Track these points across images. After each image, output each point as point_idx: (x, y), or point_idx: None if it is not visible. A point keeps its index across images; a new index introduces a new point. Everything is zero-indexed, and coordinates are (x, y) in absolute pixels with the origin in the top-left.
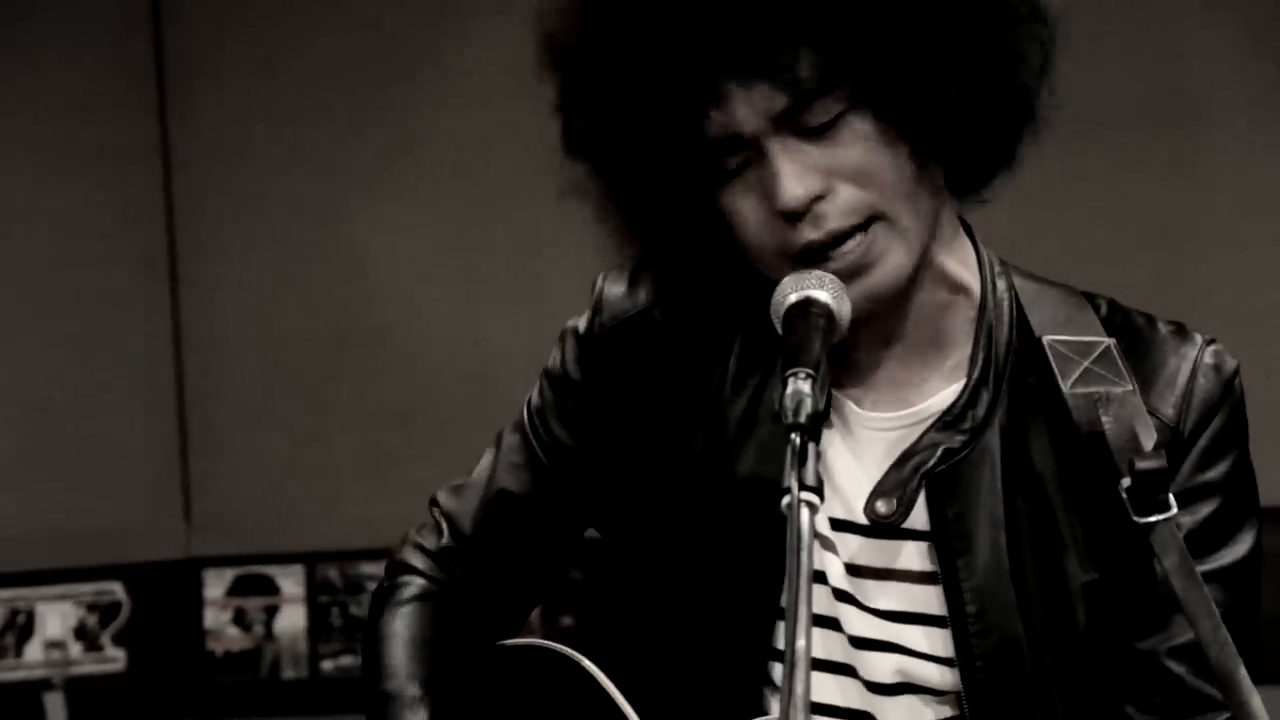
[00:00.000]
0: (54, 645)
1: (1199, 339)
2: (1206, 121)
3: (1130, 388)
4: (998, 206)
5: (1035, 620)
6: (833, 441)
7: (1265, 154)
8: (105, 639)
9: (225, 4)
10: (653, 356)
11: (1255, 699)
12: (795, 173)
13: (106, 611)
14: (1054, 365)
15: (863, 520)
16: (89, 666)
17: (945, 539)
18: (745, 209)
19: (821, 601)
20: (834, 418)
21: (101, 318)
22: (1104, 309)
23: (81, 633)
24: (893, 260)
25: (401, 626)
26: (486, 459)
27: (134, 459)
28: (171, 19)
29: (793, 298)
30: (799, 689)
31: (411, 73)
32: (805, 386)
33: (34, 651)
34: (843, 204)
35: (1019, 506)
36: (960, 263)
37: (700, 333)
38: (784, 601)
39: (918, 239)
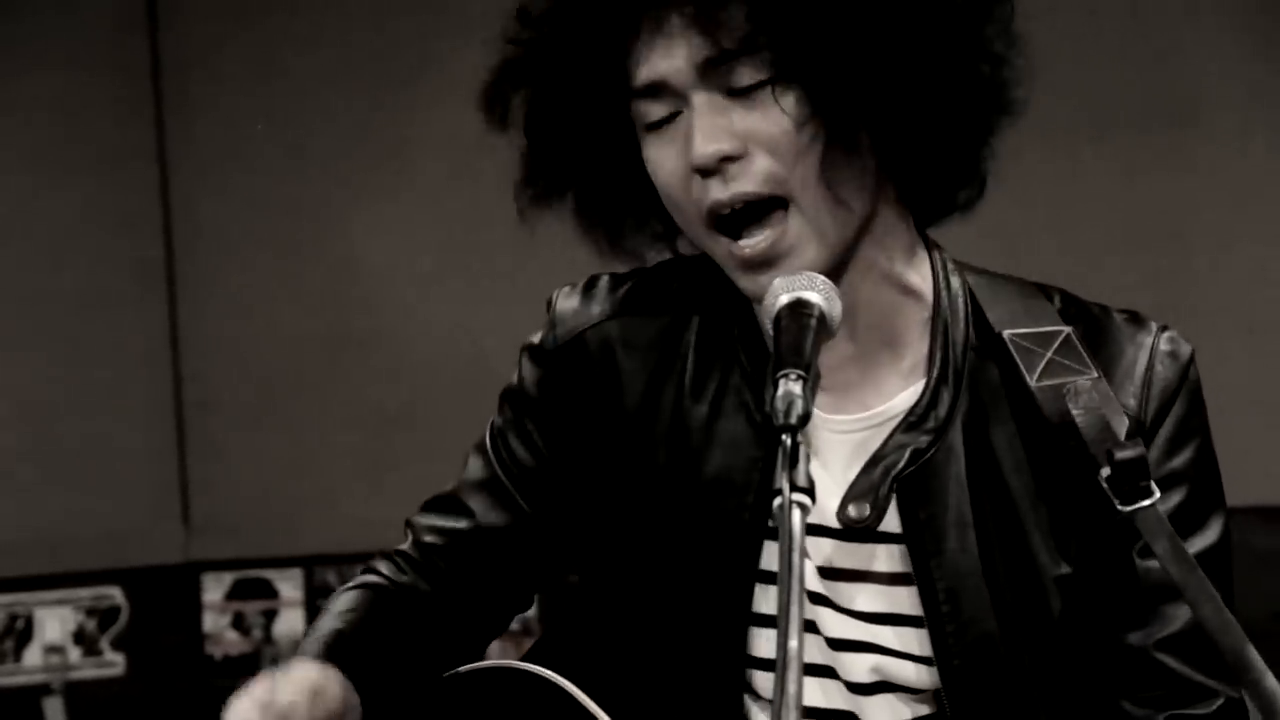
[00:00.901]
0: (53, 650)
1: (1153, 326)
2: (1202, 121)
3: (1096, 375)
4: (994, 206)
5: (1010, 616)
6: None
7: (1261, 153)
8: (104, 643)
9: (222, 6)
10: (608, 369)
11: (1269, 678)
12: (711, 129)
13: (105, 616)
14: (1017, 359)
15: (834, 524)
16: (88, 671)
17: (918, 541)
18: (665, 159)
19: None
20: None
21: (98, 320)
22: (1058, 300)
23: (80, 637)
24: (804, 255)
25: (337, 604)
26: (458, 474)
27: (132, 462)
28: (168, 21)
29: (784, 299)
30: (791, 689)
31: (409, 75)
32: (796, 388)
33: (33, 656)
34: (754, 170)
35: (986, 503)
36: (909, 265)
37: (654, 342)
38: (759, 606)
39: (833, 234)
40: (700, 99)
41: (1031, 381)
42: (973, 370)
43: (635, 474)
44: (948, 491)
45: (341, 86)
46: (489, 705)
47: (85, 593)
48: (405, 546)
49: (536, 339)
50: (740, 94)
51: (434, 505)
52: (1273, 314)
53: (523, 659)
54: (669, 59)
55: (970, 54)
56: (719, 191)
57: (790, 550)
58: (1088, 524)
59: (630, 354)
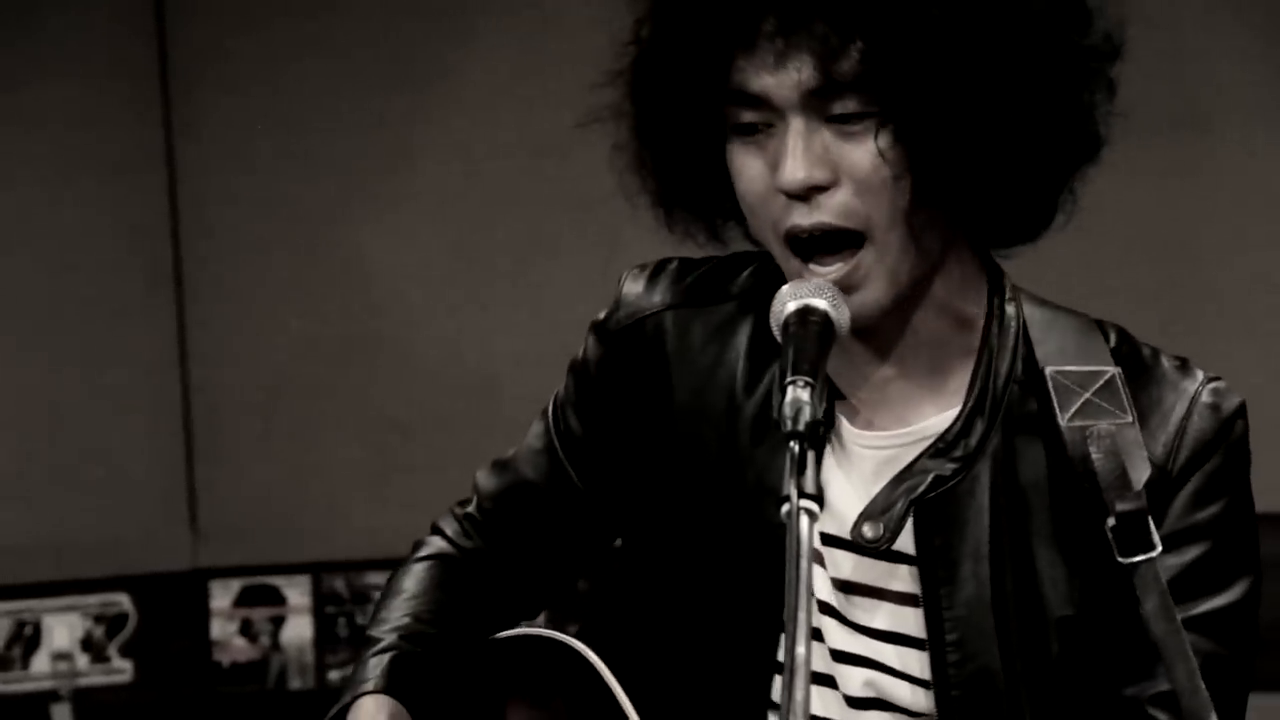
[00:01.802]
0: (61, 657)
1: (1200, 375)
2: (1211, 127)
3: (1129, 419)
4: None
5: (1013, 652)
6: (826, 457)
7: (1270, 159)
8: (112, 650)
9: (230, 13)
10: (659, 360)
11: None
12: (805, 156)
13: (113, 623)
14: (1053, 397)
15: (839, 533)
16: (96, 678)
17: (930, 566)
18: (748, 167)
19: (813, 655)
20: (830, 433)
21: (107, 328)
22: (1113, 338)
23: (88, 644)
24: (872, 291)
25: (410, 583)
26: (524, 439)
27: (140, 470)
28: (176, 28)
29: (791, 306)
30: (799, 695)
31: (418, 81)
32: (804, 394)
33: (41, 663)
34: (838, 202)
35: (1005, 538)
36: (967, 295)
37: (708, 339)
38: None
39: (905, 274)
40: (798, 122)
41: (1062, 421)
42: (1012, 403)
43: (680, 468)
44: (967, 521)
45: (350, 93)
46: (515, 672)
47: (93, 599)
48: (471, 509)
49: (603, 316)
50: (838, 124)
51: (497, 470)
52: (1278, 319)
53: (579, 633)
54: (776, 76)
55: (1068, 104)
56: (800, 217)
57: (798, 556)
58: (1096, 570)
59: (683, 347)
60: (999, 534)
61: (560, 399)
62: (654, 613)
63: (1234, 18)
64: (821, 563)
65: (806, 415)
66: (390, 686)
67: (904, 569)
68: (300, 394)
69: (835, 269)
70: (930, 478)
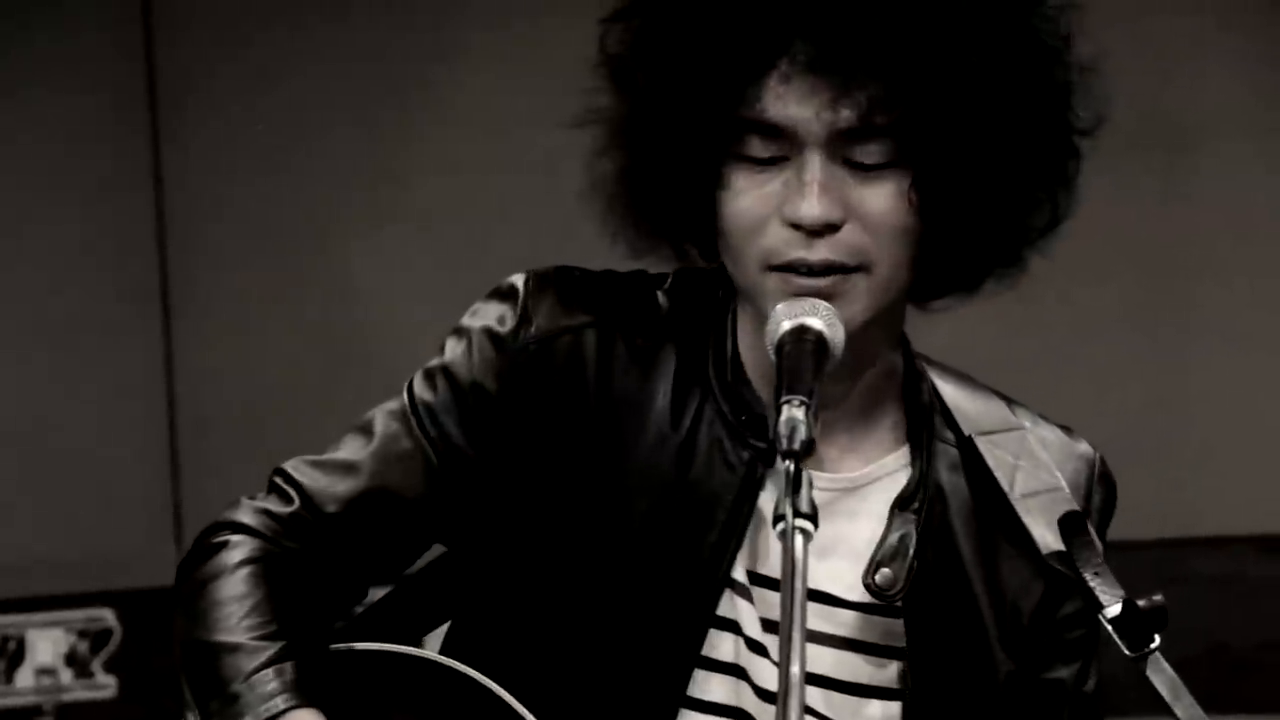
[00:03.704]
0: (45, 672)
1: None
2: (1199, 146)
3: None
4: None
5: (967, 706)
6: (765, 493)
7: (1257, 179)
8: (96, 666)
9: (218, 28)
10: (581, 380)
11: None
12: (824, 194)
13: (98, 638)
14: (989, 463)
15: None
16: (80, 693)
17: (916, 616)
18: (748, 197)
19: (730, 649)
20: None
21: (93, 342)
22: (998, 398)
23: (72, 659)
24: (853, 306)
25: (243, 587)
26: (356, 444)
27: (125, 485)
28: (164, 43)
29: (786, 325)
30: (793, 716)
31: (405, 97)
32: (800, 414)
33: (25, 678)
34: (847, 242)
35: (950, 593)
36: (894, 347)
37: (632, 361)
38: (705, 649)
39: (885, 300)
40: (819, 159)
41: (1011, 496)
42: (948, 461)
43: (590, 497)
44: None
45: (338, 108)
46: (398, 689)
47: (77, 615)
48: (295, 509)
49: (498, 327)
50: (857, 168)
51: (331, 473)
52: (1268, 341)
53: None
54: (804, 109)
55: (1063, 171)
56: (805, 251)
57: (793, 575)
58: (1037, 633)
59: (604, 372)
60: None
61: (425, 404)
62: (536, 636)
63: (1221, 39)
64: (750, 599)
65: (802, 434)
66: (310, 699)
67: (839, 612)
68: (286, 410)
69: (828, 283)
70: (913, 529)
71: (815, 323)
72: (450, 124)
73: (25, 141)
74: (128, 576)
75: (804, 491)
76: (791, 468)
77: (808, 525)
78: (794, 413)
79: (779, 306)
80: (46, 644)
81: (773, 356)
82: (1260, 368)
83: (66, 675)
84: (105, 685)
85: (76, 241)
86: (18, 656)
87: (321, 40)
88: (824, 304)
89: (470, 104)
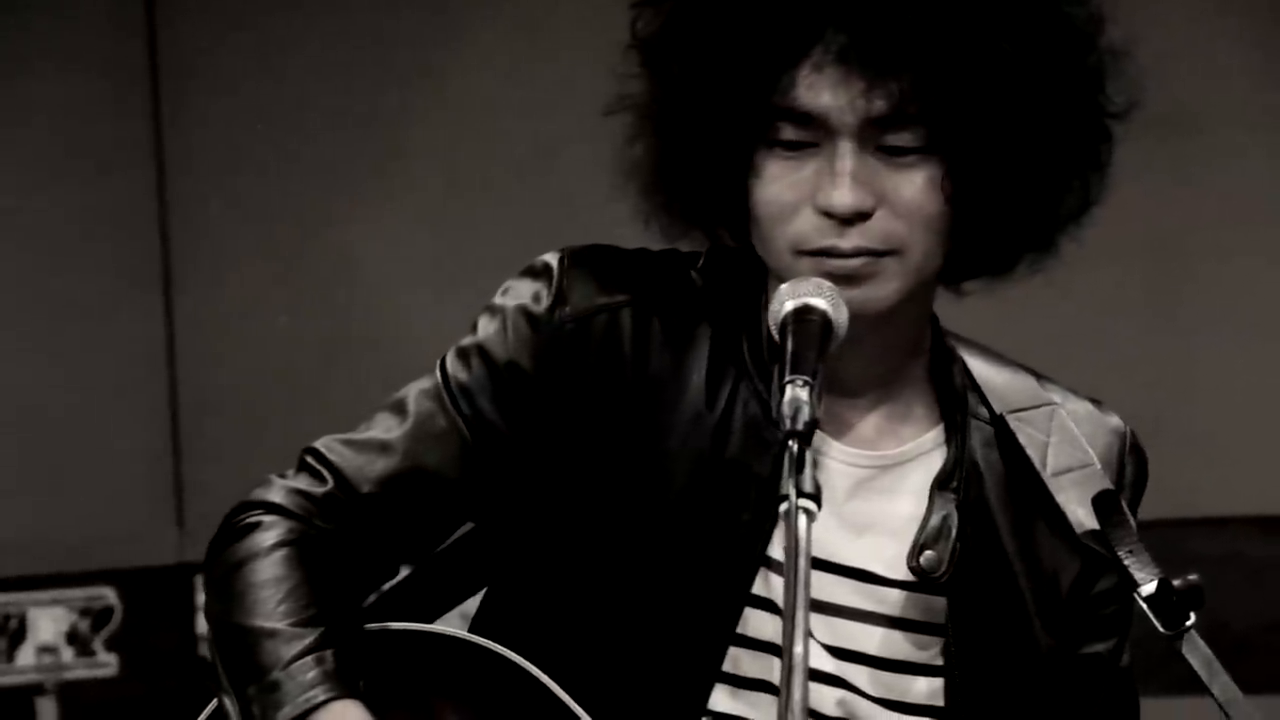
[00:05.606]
0: (46, 650)
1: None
2: (1200, 131)
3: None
4: None
5: (1009, 680)
6: None
7: (1259, 164)
8: (97, 644)
9: (220, 9)
10: (619, 359)
11: None
12: (856, 182)
13: (99, 617)
14: (1022, 443)
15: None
16: (81, 672)
17: (959, 595)
18: (781, 183)
19: (767, 628)
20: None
21: (94, 323)
22: (1028, 373)
23: (73, 638)
24: (885, 287)
25: (282, 570)
26: (389, 423)
27: (126, 464)
28: (165, 23)
29: (790, 305)
30: (797, 694)
31: (406, 80)
32: (803, 394)
33: (26, 657)
34: (879, 229)
35: (993, 569)
36: (924, 327)
37: (668, 340)
38: (745, 628)
39: (916, 281)
40: (851, 147)
41: (1044, 474)
42: (982, 439)
43: (626, 476)
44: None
45: (340, 91)
46: (444, 672)
47: (79, 593)
48: (329, 489)
49: (533, 306)
50: (889, 153)
51: (366, 452)
52: (1269, 325)
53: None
54: (837, 98)
55: (1095, 156)
56: (838, 238)
57: (796, 556)
58: (1074, 609)
59: (640, 350)
60: (992, 564)
61: (460, 384)
62: (570, 614)
63: (1223, 24)
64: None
65: (805, 415)
66: (350, 688)
67: (889, 592)
68: (287, 391)
69: (861, 263)
70: (955, 509)
71: (819, 302)
72: (452, 108)
73: (26, 122)
74: (129, 555)
75: (808, 471)
76: (795, 447)
77: (811, 505)
78: (798, 393)
79: (783, 286)
80: (48, 622)
81: (776, 336)
82: (1262, 350)
83: (68, 654)
84: (106, 664)
85: (77, 223)
86: (19, 635)
87: (323, 24)
88: (828, 284)
89: (472, 87)
